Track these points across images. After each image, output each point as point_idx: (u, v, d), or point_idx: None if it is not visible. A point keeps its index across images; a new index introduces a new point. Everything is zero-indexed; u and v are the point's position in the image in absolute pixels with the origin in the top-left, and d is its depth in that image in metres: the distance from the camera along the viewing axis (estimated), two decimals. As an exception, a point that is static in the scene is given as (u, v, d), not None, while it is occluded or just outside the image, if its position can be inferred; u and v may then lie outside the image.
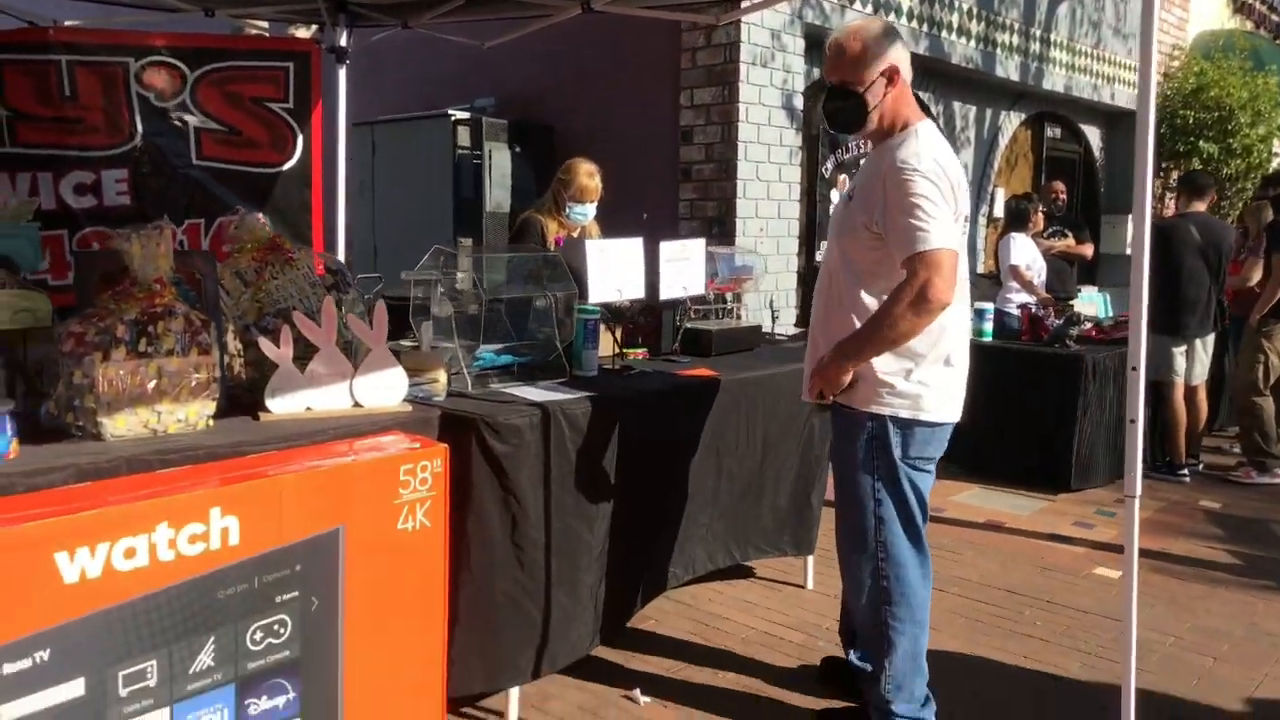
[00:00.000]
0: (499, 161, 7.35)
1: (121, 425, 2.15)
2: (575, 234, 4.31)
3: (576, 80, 7.44)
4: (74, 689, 1.73)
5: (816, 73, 6.75)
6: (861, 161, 6.98)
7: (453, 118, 7.33)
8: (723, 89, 6.32)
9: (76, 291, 2.42)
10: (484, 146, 7.31)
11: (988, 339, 5.79)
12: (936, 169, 2.44)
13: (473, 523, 2.56)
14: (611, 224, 4.56)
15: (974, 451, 4.82)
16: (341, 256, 4.31)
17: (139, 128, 3.55)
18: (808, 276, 6.88)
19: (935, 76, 8.11)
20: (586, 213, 4.33)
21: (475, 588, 2.58)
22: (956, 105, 8.59)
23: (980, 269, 8.93)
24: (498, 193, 7.35)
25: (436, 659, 2.36)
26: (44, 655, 1.68)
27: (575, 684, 3.03)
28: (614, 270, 3.40)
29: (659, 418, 3.03)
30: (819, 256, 6.95)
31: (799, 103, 6.68)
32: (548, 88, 7.67)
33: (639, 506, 2.98)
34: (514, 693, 2.74)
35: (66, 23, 3.48)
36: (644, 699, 2.95)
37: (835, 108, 2.62)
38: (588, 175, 4.28)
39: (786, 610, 3.64)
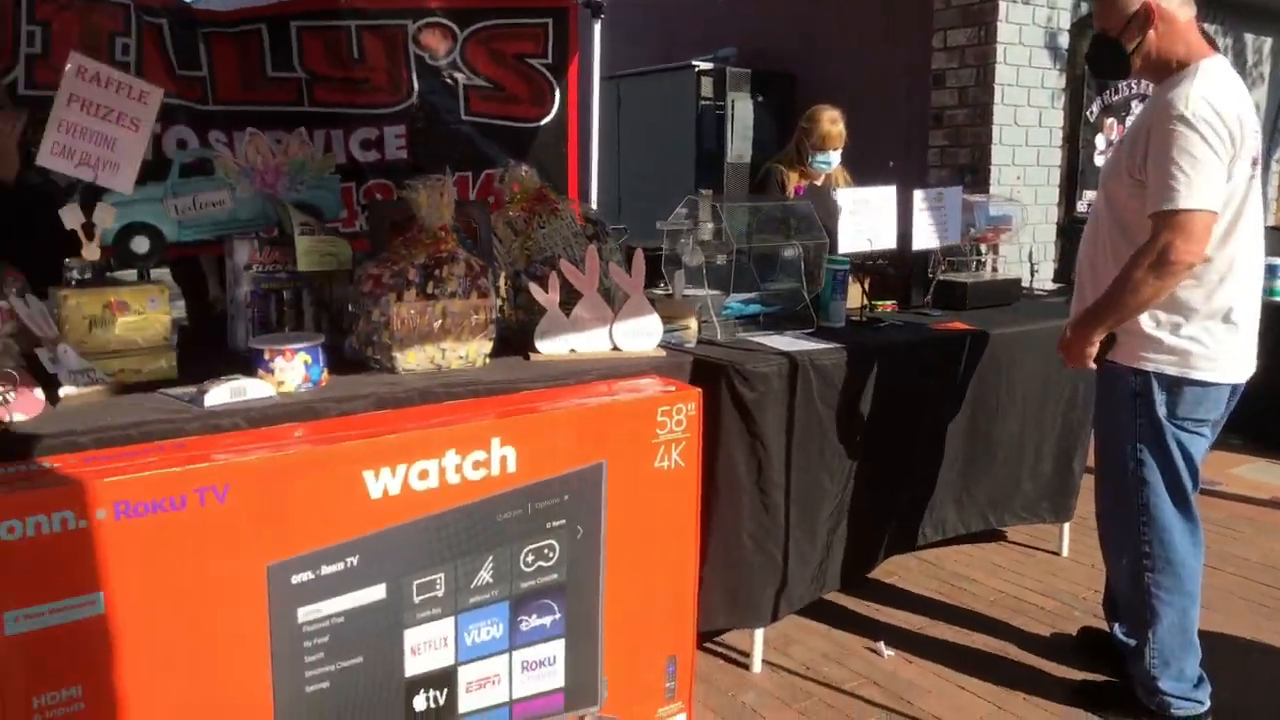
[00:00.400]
0: (741, 112, 7.34)
1: (411, 360, 2.36)
2: (819, 182, 4.25)
3: (820, 27, 7.27)
4: (377, 593, 1.94)
5: (1085, 7, 6.25)
6: (1133, 104, 6.44)
7: (696, 69, 7.38)
8: (979, 29, 5.98)
9: (370, 237, 2.65)
10: (727, 97, 7.32)
11: None
12: (1209, 112, 2.22)
13: (721, 465, 2.63)
14: (856, 172, 4.47)
15: (1259, 422, 4.38)
16: (594, 201, 4.45)
17: (416, 86, 3.81)
18: (1067, 228, 6.44)
19: (1224, 7, 7.30)
20: (830, 160, 4.26)
21: (723, 527, 2.66)
22: (1249, 38, 7.70)
23: (1272, 219, 8.04)
24: (739, 143, 7.35)
25: (688, 592, 2.45)
26: (354, 560, 1.90)
27: (819, 631, 3.06)
28: (865, 220, 3.33)
29: (908, 372, 2.97)
30: (1081, 206, 6.48)
31: (1064, 41, 6.22)
32: (790, 35, 7.55)
33: (884, 461, 2.94)
34: (758, 635, 2.81)
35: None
36: (888, 651, 2.94)
37: (1094, 55, 2.50)
38: (830, 122, 4.21)
39: (1039, 577, 3.49)
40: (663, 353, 2.67)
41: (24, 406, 1.84)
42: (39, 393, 1.90)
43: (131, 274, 2.22)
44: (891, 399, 2.90)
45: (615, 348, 2.65)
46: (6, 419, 1.79)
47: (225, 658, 1.77)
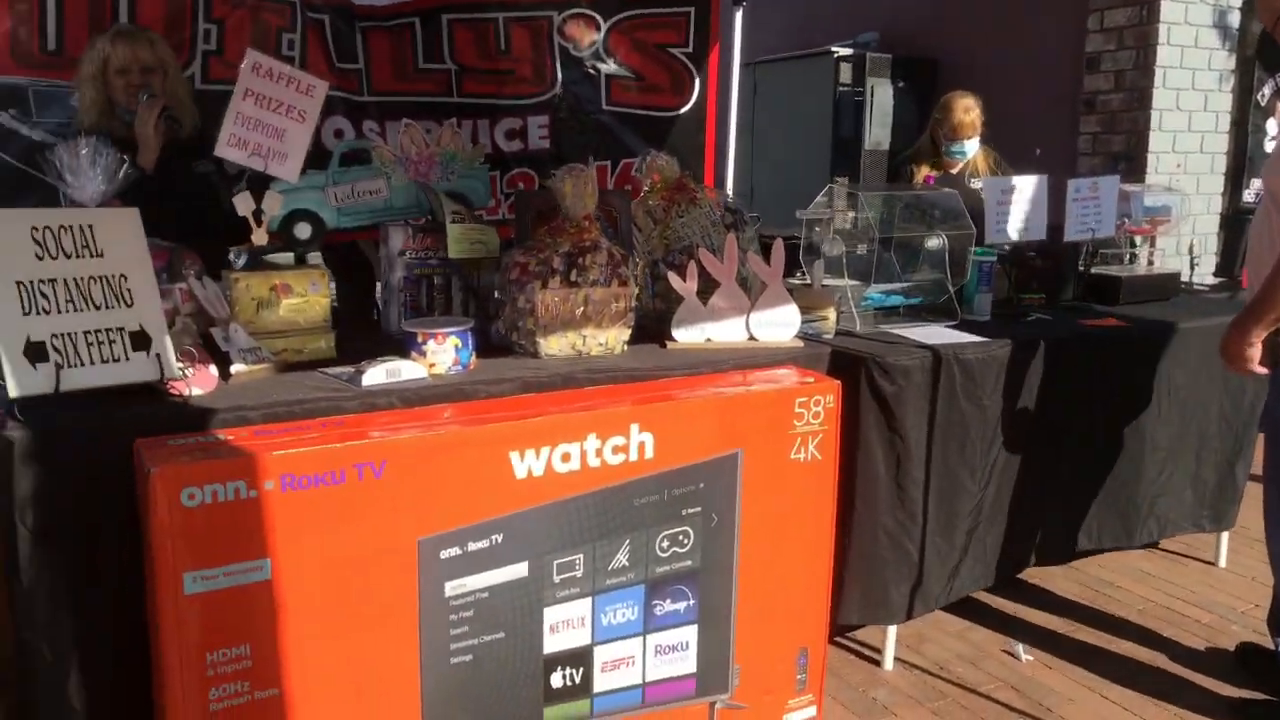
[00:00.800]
0: (881, 98, 7.18)
1: (554, 346, 2.42)
2: (954, 171, 4.13)
3: (966, 10, 7.03)
4: (519, 570, 2.00)
5: (1260, -17, 5.83)
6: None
7: (835, 55, 7.25)
8: (1140, 9, 5.67)
9: (515, 225, 2.72)
10: (866, 83, 7.17)
11: None
12: None
13: (859, 458, 2.59)
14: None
15: None
16: (730, 192, 4.44)
17: (559, 77, 3.89)
18: (1232, 219, 6.05)
19: None
20: (965, 150, 4.12)
21: (858, 521, 2.62)
22: None
23: None
24: (877, 131, 7.19)
25: (822, 585, 2.44)
26: (499, 538, 1.96)
27: (953, 630, 2.99)
28: (1013, 210, 3.22)
29: (1057, 369, 2.86)
30: (1248, 195, 6.08)
31: (1234, 20, 5.83)
32: (934, 19, 7.33)
33: (1030, 462, 2.85)
34: (891, 632, 2.77)
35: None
36: (1026, 655, 2.85)
37: (1258, 47, 2.34)
38: (964, 110, 4.07)
39: (1193, 587, 3.32)
40: (800, 343, 2.65)
41: (201, 381, 1.97)
42: (213, 369, 2.03)
43: (288, 256, 2.34)
44: (1039, 397, 2.80)
45: (751, 337, 2.64)
46: (186, 392, 1.92)
47: (377, 626, 1.86)
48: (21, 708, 1.78)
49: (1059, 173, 3.45)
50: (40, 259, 1.78)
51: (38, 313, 1.75)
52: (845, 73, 7.28)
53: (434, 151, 2.71)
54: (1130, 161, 5.75)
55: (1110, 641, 2.94)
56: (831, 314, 2.82)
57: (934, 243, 3.16)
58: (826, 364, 2.61)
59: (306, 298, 2.34)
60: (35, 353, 1.73)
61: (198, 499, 1.64)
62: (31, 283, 1.76)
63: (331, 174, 2.58)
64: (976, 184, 4.04)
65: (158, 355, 1.87)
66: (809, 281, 3.01)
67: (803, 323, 2.70)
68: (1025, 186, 3.26)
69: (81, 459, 1.74)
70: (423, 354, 2.20)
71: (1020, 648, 2.89)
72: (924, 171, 4.17)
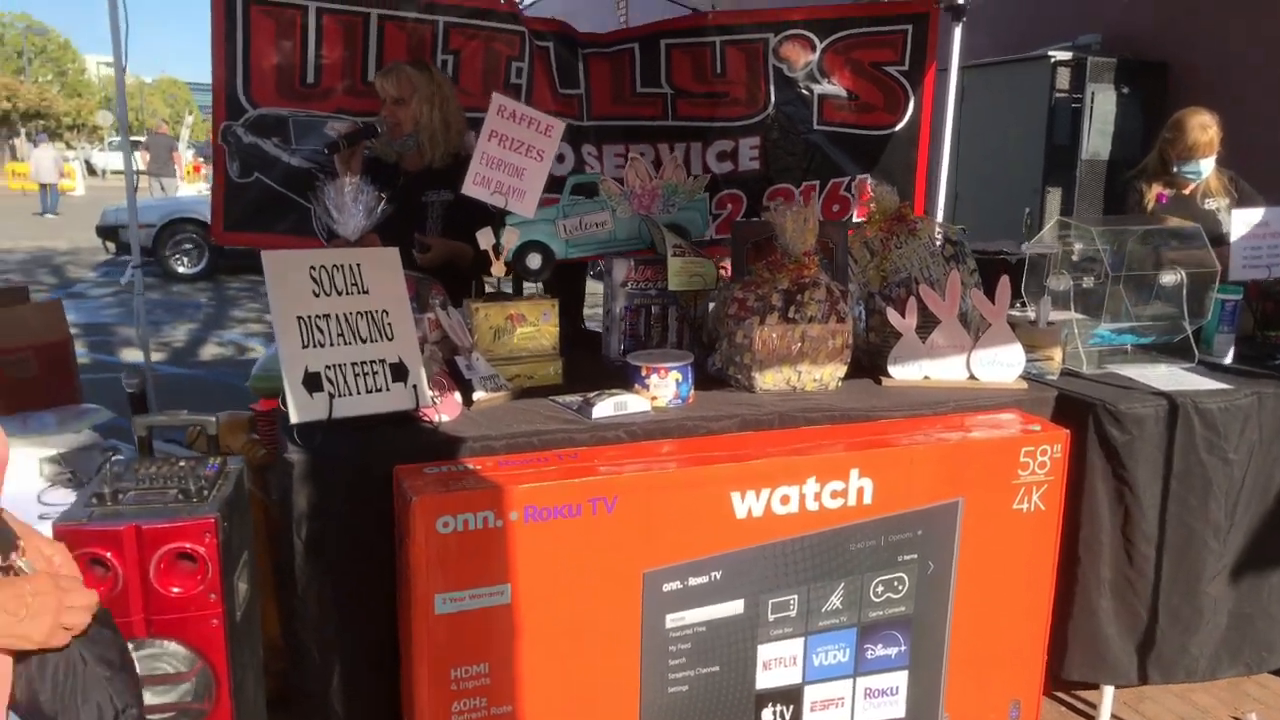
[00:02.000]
0: (1102, 105, 6.79)
1: (769, 381, 2.45)
2: (1186, 192, 3.85)
3: (1201, 8, 6.54)
4: (735, 607, 2.05)
5: None
6: None
7: (1053, 59, 6.91)
8: None
9: (731, 255, 2.76)
10: (1086, 89, 6.80)
11: None
12: None
13: (1084, 507, 2.48)
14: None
15: None
16: (941, 210, 4.34)
17: (772, 98, 3.92)
18: None
19: None
20: (1200, 170, 3.83)
21: (1081, 575, 2.51)
22: None
23: None
24: (1096, 140, 6.81)
25: (1039, 638, 2.37)
26: (717, 575, 2.02)
27: (1174, 690, 2.83)
28: (1262, 241, 3.00)
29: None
30: None
31: None
32: (1165, 20, 6.86)
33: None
34: (1109, 690, 2.65)
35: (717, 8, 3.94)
36: (1261, 727, 2.67)
37: None
38: (1200, 129, 3.77)
39: None
40: (1024, 384, 2.57)
41: (448, 408, 2.12)
42: (458, 396, 2.18)
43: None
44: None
45: (972, 376, 2.58)
46: (435, 419, 2.07)
47: (603, 652, 1.95)
48: (283, 698, 1.99)
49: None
50: (317, 295, 1.97)
51: (314, 345, 1.94)
52: (1063, 77, 6.93)
53: (657, 185, 2.79)
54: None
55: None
56: (1057, 354, 2.71)
57: (1170, 278, 2.98)
58: (1051, 408, 2.52)
59: (538, 326, 2.47)
60: (312, 383, 1.91)
61: (451, 526, 1.77)
62: (309, 318, 1.95)
63: (562, 207, 2.71)
64: (1210, 205, 3.78)
65: (414, 386, 2.03)
66: (1032, 316, 2.91)
67: (1026, 362, 2.62)
68: (1276, 219, 3.02)
69: (348, 480, 1.91)
70: (645, 387, 2.28)
71: (1253, 716, 2.69)
72: (1155, 191, 3.92)
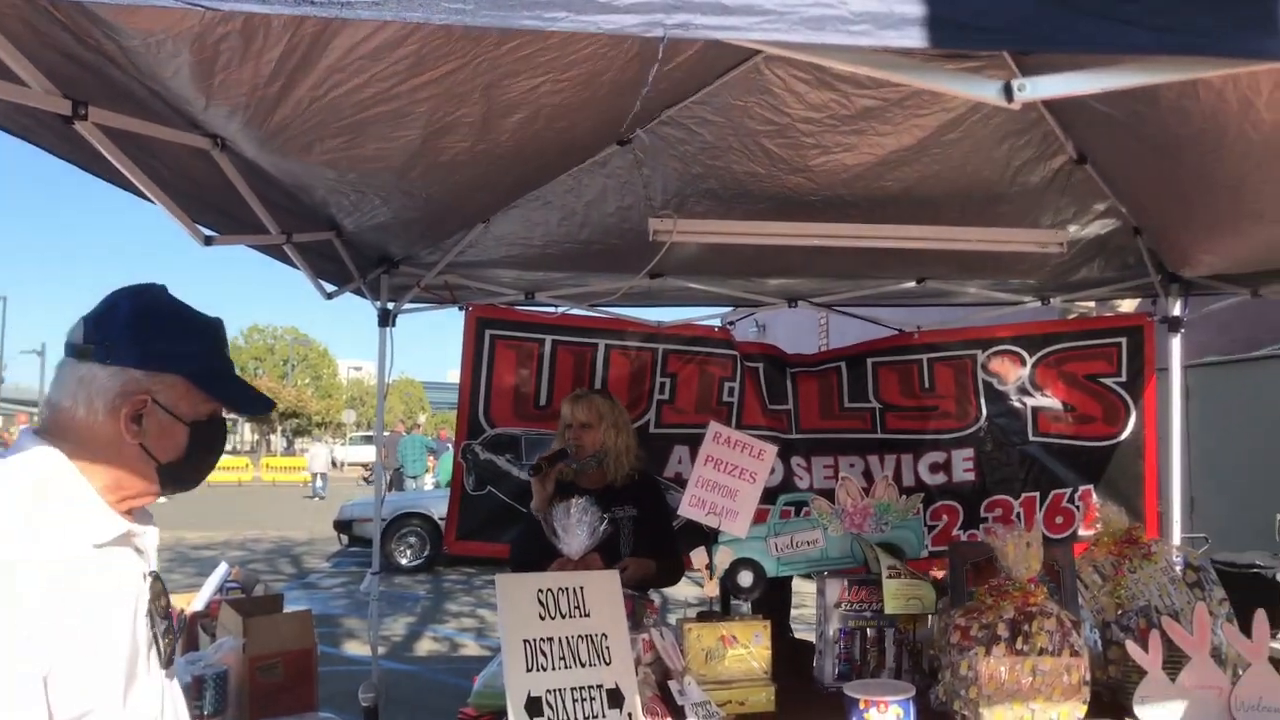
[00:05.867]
0: (1352, 405, 6.33)
1: (998, 718, 2.28)
2: None
3: None
4: None
5: None
6: None
7: (1287, 359, 6.59)
8: None
9: (950, 579, 2.69)
10: (1332, 388, 6.39)
11: None
12: None
13: None
14: None
15: None
16: (1177, 520, 4.05)
17: (984, 410, 3.93)
18: None
19: None
20: None
21: None
22: None
23: None
24: (1350, 442, 6.29)
25: None
26: None
27: None
28: None
29: None
30: None
31: None
32: None
33: None
34: None
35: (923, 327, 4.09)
36: None
37: None
38: None
39: None
40: (1301, 737, 2.27)
41: (661, 737, 2.11)
42: (670, 723, 2.17)
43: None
44: None
45: (1236, 724, 2.31)
46: (648, 749, 2.06)
47: None
48: None
49: None
50: (542, 619, 2.06)
51: (538, 669, 2.01)
52: (1301, 376, 6.56)
53: (869, 503, 2.81)
54: None
55: None
56: (1337, 700, 2.40)
57: None
58: (1338, 766, 2.20)
59: (750, 649, 2.45)
60: (533, 708, 1.97)
61: None
62: (535, 640, 2.03)
63: (773, 525, 2.76)
64: None
65: (629, 715, 2.04)
66: (1299, 652, 2.61)
67: (1299, 710, 2.33)
68: None
69: (561, 811, 1.90)
70: (864, 721, 2.18)
71: None
72: None
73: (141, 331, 1.29)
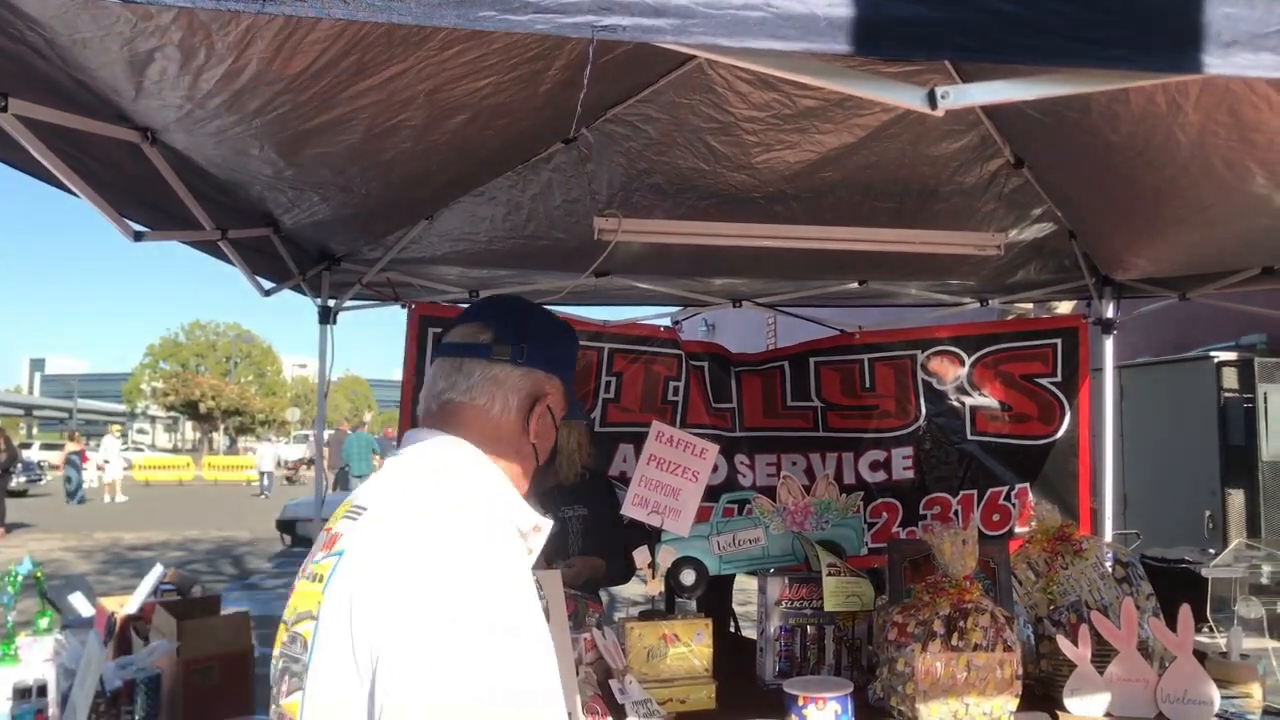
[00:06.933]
0: (1277, 405, 6.54)
1: (934, 713, 2.32)
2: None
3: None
4: None
5: None
6: None
7: (1216, 359, 6.79)
8: None
9: (888, 576, 2.73)
10: (1256, 389, 6.60)
11: None
12: None
13: None
14: None
15: None
16: (1110, 517, 4.16)
17: (923, 410, 3.99)
18: None
19: None
20: None
21: None
22: None
23: None
24: (1276, 441, 6.50)
25: None
26: None
27: None
28: None
29: None
30: None
31: None
32: (1337, 317, 6.69)
33: None
34: None
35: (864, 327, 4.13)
36: None
37: None
38: None
39: None
40: (1221, 726, 2.35)
41: (600, 736, 2.11)
42: (610, 722, 2.17)
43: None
44: None
45: (1160, 714, 2.38)
46: (588, 748, 2.05)
47: None
48: None
49: None
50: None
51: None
52: (1229, 378, 6.76)
53: (809, 501, 2.84)
54: None
55: None
56: (1256, 691, 2.48)
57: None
58: (1258, 754, 2.28)
59: (691, 647, 2.46)
60: None
61: None
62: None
63: (715, 524, 2.78)
64: None
65: (569, 714, 2.03)
66: (1223, 647, 2.70)
67: (1222, 700, 2.40)
68: None
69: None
70: (803, 718, 2.20)
71: None
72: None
73: (547, 338, 1.37)
